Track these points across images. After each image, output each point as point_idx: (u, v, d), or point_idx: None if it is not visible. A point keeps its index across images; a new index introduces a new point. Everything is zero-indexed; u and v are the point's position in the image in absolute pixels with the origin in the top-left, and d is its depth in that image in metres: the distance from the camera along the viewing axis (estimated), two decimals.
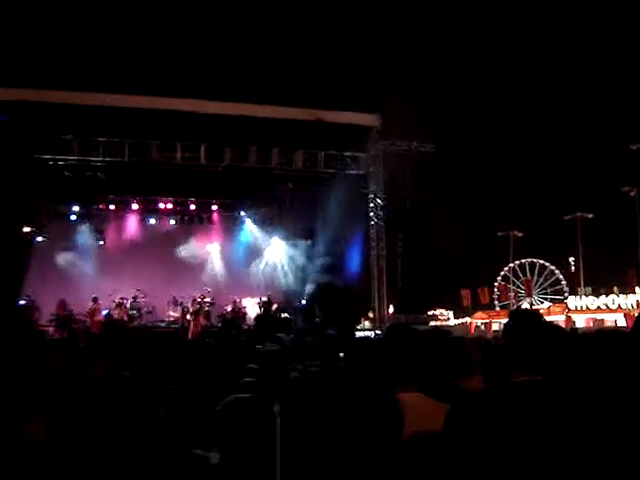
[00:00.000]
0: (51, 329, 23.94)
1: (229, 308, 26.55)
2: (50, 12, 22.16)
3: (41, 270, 25.97)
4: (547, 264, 37.74)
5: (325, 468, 2.43)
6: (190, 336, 22.86)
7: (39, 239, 26.27)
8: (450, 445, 2.68)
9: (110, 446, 2.52)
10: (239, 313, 26.40)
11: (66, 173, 24.07)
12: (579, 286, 34.76)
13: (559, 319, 30.73)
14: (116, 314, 25.01)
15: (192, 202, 28.10)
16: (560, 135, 27.78)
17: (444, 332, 4.59)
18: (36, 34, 21.94)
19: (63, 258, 27.21)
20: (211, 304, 26.48)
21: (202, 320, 25.33)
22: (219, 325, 25.34)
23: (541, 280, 38.09)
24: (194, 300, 25.51)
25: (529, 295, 37.66)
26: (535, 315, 3.28)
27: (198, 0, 24.42)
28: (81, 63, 22.45)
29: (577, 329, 23.90)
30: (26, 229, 25.01)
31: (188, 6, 23.97)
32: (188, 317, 25.38)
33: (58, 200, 26.83)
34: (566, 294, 36.50)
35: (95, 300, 24.65)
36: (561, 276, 37.49)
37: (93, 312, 24.48)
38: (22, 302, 24.32)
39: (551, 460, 2.60)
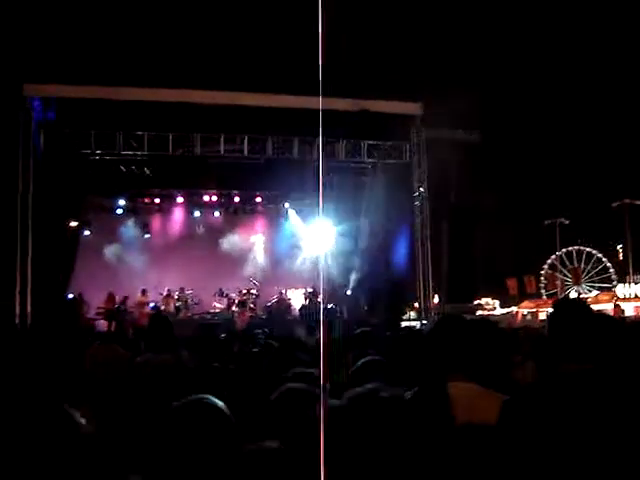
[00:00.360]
0: (100, 322, 24.33)
1: (274, 299, 26.67)
2: (91, 9, 22.38)
3: (88, 264, 26.31)
4: (595, 252, 37.23)
5: (375, 459, 2.40)
6: (238, 327, 23.00)
7: (86, 233, 26.62)
8: (505, 436, 2.65)
9: (160, 436, 2.52)
10: (284, 304, 26.50)
11: (122, 167, 24.34)
12: (628, 274, 34.21)
13: (607, 307, 30.28)
14: (163, 306, 25.27)
15: (236, 194, 28.23)
16: (608, 120, 27.35)
17: (492, 322, 4.54)
18: (78, 32, 22.18)
19: (110, 252, 27.57)
20: (257, 295, 26.63)
21: (248, 311, 25.50)
22: (264, 317, 25.46)
23: (588, 268, 37.60)
24: (240, 291, 25.66)
25: (577, 283, 37.20)
26: (580, 304, 3.23)
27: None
28: (124, 59, 22.66)
29: (626, 317, 23.61)
30: (73, 224, 25.34)
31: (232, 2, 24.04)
32: (234, 308, 25.57)
33: (104, 194, 27.16)
34: (614, 282, 36.01)
35: (143, 292, 24.96)
36: (609, 264, 36.96)
37: (141, 304, 24.78)
38: (70, 296, 24.66)
39: (606, 449, 2.55)
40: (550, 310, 3.29)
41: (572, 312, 3.10)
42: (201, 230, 28.73)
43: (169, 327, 6.91)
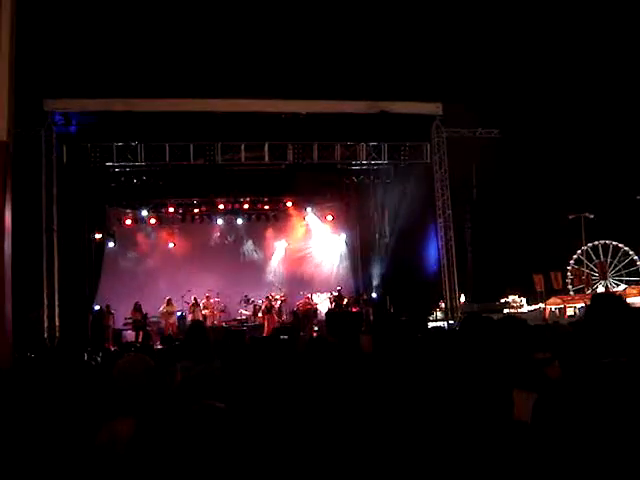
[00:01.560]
0: (127, 332, 24.47)
1: (300, 304, 26.69)
2: (109, 23, 22.52)
3: (114, 275, 26.50)
4: (621, 245, 36.88)
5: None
6: (265, 333, 23.04)
7: (110, 245, 26.79)
8: (541, 432, 2.63)
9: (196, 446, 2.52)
10: (310, 309, 26.50)
11: (144, 178, 24.45)
12: None
13: (635, 301, 29.97)
14: (190, 315, 25.35)
15: (259, 201, 28.30)
16: (631, 113, 27.09)
17: (519, 320, 4.49)
18: (97, 46, 22.32)
19: (134, 262, 27.72)
20: (282, 301, 26.65)
21: (275, 317, 25.53)
22: (290, 322, 25.46)
23: (615, 262, 37.25)
24: (267, 298, 25.70)
25: (604, 278, 36.86)
26: (617, 298, 3.23)
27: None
28: (142, 71, 22.77)
29: None
30: (97, 236, 25.51)
31: (241, 7, 24.08)
32: (260, 315, 25.61)
33: (127, 206, 27.34)
34: None
35: (169, 302, 25.04)
36: (636, 257, 36.57)
37: (167, 314, 24.88)
38: (97, 307, 24.81)
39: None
40: (580, 305, 3.32)
41: (609, 306, 3.12)
42: (229, 239, 28.80)
43: (205, 336, 6.95)
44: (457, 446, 2.36)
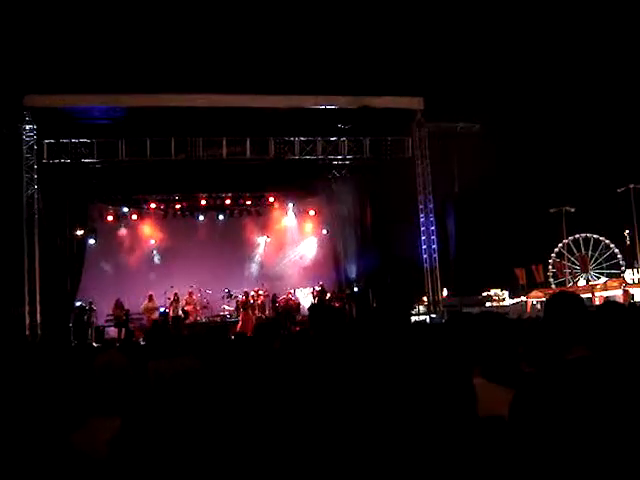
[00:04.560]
0: (109, 329, 24.40)
1: (282, 299, 26.67)
2: (88, 18, 22.42)
3: (96, 271, 26.39)
4: (602, 238, 37.18)
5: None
6: (238, 329, 22.85)
7: (91, 241, 26.67)
8: (519, 428, 2.65)
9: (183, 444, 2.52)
10: (292, 304, 26.49)
11: (125, 174, 24.29)
12: (636, 259, 34.14)
13: (616, 294, 30.26)
14: (171, 311, 25.28)
15: (242, 196, 28.27)
16: (610, 106, 27.26)
17: (498, 314, 4.52)
18: (76, 40, 22.22)
19: (116, 258, 27.61)
20: (265, 296, 26.62)
21: (257, 312, 25.47)
22: (271, 318, 25.41)
23: (596, 255, 37.55)
24: (245, 293, 25.66)
25: (585, 271, 37.15)
26: (573, 296, 3.33)
27: None
28: (123, 66, 22.70)
29: (635, 302, 23.55)
30: (79, 232, 25.38)
31: (223, 2, 24.04)
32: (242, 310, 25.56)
33: (108, 202, 27.23)
34: (622, 268, 35.92)
35: (150, 298, 24.95)
36: (617, 250, 36.90)
37: (149, 310, 24.79)
38: (79, 304, 24.70)
39: (616, 434, 2.56)
40: (544, 303, 3.44)
41: (565, 304, 3.24)
42: (211, 234, 28.69)
43: (167, 334, 7.01)
44: (430, 441, 2.37)
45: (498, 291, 30.53)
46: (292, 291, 27.27)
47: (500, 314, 4.29)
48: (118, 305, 24.28)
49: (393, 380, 2.64)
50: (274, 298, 26.51)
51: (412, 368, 2.77)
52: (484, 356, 3.38)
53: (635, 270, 32.85)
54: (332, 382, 3.10)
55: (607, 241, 37.03)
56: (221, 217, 28.77)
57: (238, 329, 22.67)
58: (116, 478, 2.41)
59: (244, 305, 24.86)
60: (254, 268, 29.35)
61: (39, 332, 21.81)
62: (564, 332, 3.07)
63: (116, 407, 3.62)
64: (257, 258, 29.59)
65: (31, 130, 22.80)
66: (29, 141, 22.82)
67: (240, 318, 24.70)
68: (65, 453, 2.33)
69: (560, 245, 36.19)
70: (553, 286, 34.91)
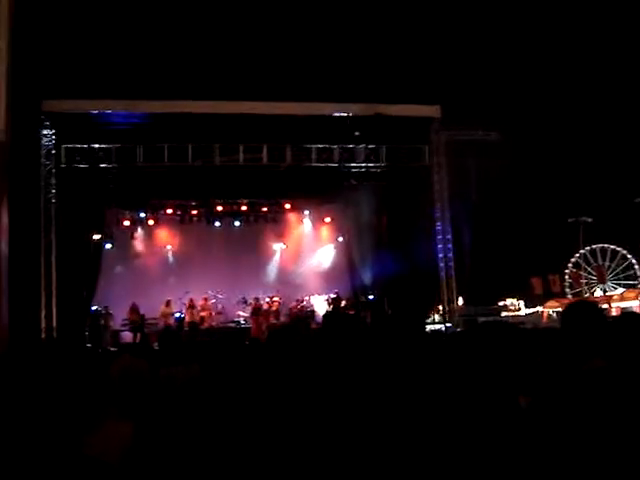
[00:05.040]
0: (125, 333, 24.48)
1: (297, 306, 26.68)
2: (108, 25, 22.52)
3: (112, 276, 26.48)
4: (619, 249, 36.88)
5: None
6: (251, 335, 22.92)
7: (108, 246, 26.76)
8: (535, 436, 2.63)
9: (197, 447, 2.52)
10: (307, 311, 26.49)
11: (142, 180, 24.37)
12: None
13: (633, 304, 30.00)
14: (187, 316, 25.34)
15: (257, 203, 28.28)
16: (630, 117, 27.10)
17: (513, 325, 4.50)
18: (96, 46, 22.32)
19: (132, 263, 27.71)
20: (280, 303, 26.62)
21: (272, 319, 25.49)
22: (285, 324, 25.40)
23: (613, 266, 37.25)
24: (255, 299, 25.68)
25: (602, 282, 36.87)
26: (591, 305, 3.30)
27: (252, 3, 24.49)
28: (142, 72, 22.78)
29: None
30: (96, 237, 25.48)
31: (241, 9, 24.08)
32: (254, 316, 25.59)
33: (125, 207, 27.32)
34: None
35: (167, 303, 25.03)
36: (634, 260, 36.58)
37: (165, 315, 24.87)
38: (95, 308, 24.79)
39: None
40: (561, 312, 3.38)
41: (584, 313, 3.21)
42: (227, 240, 28.71)
43: (177, 341, 7.03)
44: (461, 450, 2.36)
45: (514, 301, 30.37)
46: (308, 298, 27.27)
47: (514, 324, 4.27)
48: (134, 310, 24.36)
49: (406, 387, 2.63)
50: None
51: (426, 377, 2.76)
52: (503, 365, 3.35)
53: None
54: (345, 389, 3.08)
55: (624, 252, 36.70)
56: (237, 223, 28.78)
57: (252, 335, 22.76)
58: None
59: (256, 311, 24.88)
60: (269, 275, 29.35)
61: (55, 336, 21.90)
62: (582, 342, 3.04)
63: (132, 412, 3.61)
64: (272, 265, 29.59)
65: (49, 135, 22.95)
66: (47, 146, 22.97)
67: (252, 324, 24.76)
68: (74, 456, 2.32)
69: (577, 255, 35.92)
70: (569, 296, 34.66)
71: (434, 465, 2.42)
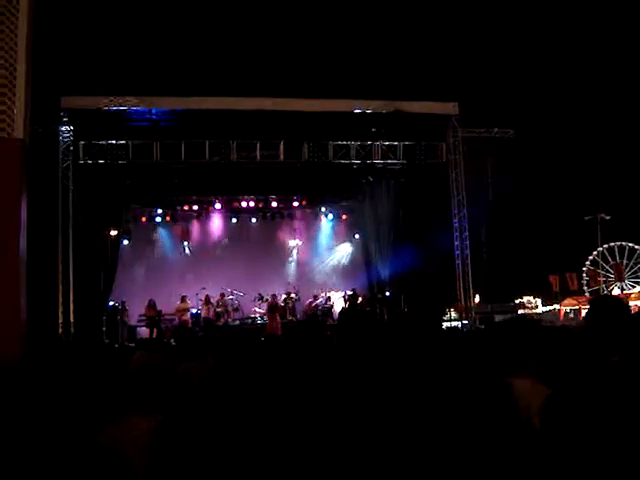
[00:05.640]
0: (142, 329, 24.60)
1: (308, 304, 26.73)
2: (127, 22, 22.60)
3: (129, 272, 26.60)
4: (637, 247, 36.66)
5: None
6: (266, 332, 22.94)
7: (125, 242, 26.88)
8: (550, 428, 2.63)
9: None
10: (325, 307, 26.50)
11: (160, 176, 24.45)
12: None
13: None
14: (204, 312, 25.42)
15: (274, 199, 28.31)
16: None
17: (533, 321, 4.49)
18: (113, 43, 22.41)
19: (149, 259, 27.83)
20: (296, 299, 26.66)
21: (289, 315, 25.54)
22: (301, 321, 25.42)
23: (631, 263, 37.04)
24: (273, 296, 25.73)
25: (620, 279, 36.65)
26: (616, 300, 3.28)
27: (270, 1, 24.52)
28: (158, 69, 22.86)
29: None
30: (113, 233, 25.59)
31: (258, 4, 24.11)
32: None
33: (142, 203, 27.43)
34: None
35: (183, 299, 25.10)
36: None
37: (181, 311, 24.94)
38: (112, 303, 24.91)
39: None
40: (587, 307, 3.37)
41: (609, 308, 3.19)
42: (244, 237, 28.78)
43: (193, 338, 7.09)
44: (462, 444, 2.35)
45: (531, 298, 30.26)
46: (324, 295, 27.30)
47: (535, 320, 4.26)
48: (151, 305, 24.49)
49: (422, 384, 2.63)
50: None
51: (441, 373, 2.76)
52: (530, 359, 3.35)
53: None
54: (359, 384, 3.09)
55: None
56: (254, 220, 28.85)
57: (267, 332, 22.79)
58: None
59: (272, 308, 24.92)
60: (286, 271, 29.39)
61: (72, 331, 22.03)
62: (607, 336, 3.03)
63: (154, 407, 3.63)
64: (289, 261, 29.63)
65: (67, 131, 23.06)
66: (65, 142, 23.08)
67: (267, 320, 24.80)
68: (86, 444, 2.34)
69: (595, 253, 35.74)
70: (587, 294, 34.50)
71: (448, 461, 2.42)
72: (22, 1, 8.87)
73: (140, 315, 24.87)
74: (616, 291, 35.47)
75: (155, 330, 23.99)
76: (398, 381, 2.96)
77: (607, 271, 36.57)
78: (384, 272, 27.60)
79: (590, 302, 3.39)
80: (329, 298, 27.38)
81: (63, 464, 2.16)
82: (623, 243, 36.60)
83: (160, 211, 27.93)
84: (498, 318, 23.65)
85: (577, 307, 29.98)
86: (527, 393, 2.83)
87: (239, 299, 26.96)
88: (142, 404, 3.72)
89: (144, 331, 24.43)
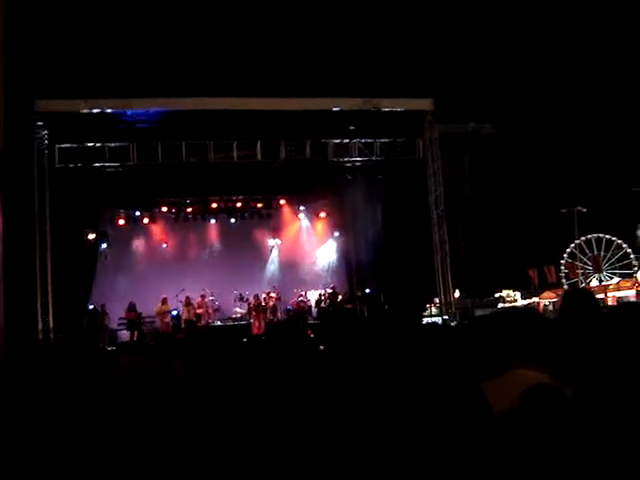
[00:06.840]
0: (122, 332, 24.47)
1: (293, 302, 26.71)
2: (97, 23, 22.46)
3: (108, 275, 26.46)
4: (614, 238, 36.93)
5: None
6: (254, 332, 23.01)
7: (104, 245, 26.74)
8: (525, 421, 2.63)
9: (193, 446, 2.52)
10: (304, 306, 26.51)
11: (136, 178, 24.33)
12: None
13: (629, 294, 30.12)
14: (184, 314, 25.33)
15: (253, 199, 28.30)
16: (623, 105, 27.13)
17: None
18: (87, 45, 22.26)
19: (128, 262, 27.69)
20: (277, 299, 26.63)
21: (269, 315, 25.52)
22: (282, 320, 25.42)
23: (609, 255, 37.31)
24: (256, 296, 25.70)
25: (597, 271, 36.93)
26: (587, 293, 3.32)
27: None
28: (133, 70, 22.73)
29: None
30: (91, 236, 25.45)
31: (235, 5, 24.04)
32: (254, 313, 25.60)
33: (119, 206, 27.31)
34: (635, 268, 35.73)
35: (164, 301, 25.00)
36: (629, 250, 36.66)
37: (162, 313, 24.85)
38: (91, 307, 24.78)
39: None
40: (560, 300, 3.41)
41: (581, 302, 3.23)
42: (223, 237, 28.75)
43: (174, 340, 7.05)
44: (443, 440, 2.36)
45: (510, 292, 30.45)
46: (304, 293, 27.29)
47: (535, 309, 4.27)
48: (131, 308, 24.36)
49: (402, 381, 2.63)
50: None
51: (421, 370, 2.77)
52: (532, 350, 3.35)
53: None
54: (342, 382, 3.09)
55: (619, 241, 36.77)
56: (232, 220, 28.79)
57: (255, 332, 22.84)
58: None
59: (256, 308, 24.90)
60: (265, 271, 29.36)
61: (51, 336, 21.88)
62: (580, 328, 3.06)
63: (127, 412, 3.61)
64: (268, 261, 29.60)
65: (43, 135, 22.90)
66: (41, 146, 22.92)
67: (255, 321, 24.78)
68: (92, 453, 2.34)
69: (572, 245, 35.97)
70: (565, 287, 34.71)
71: (432, 459, 2.43)
72: None
73: (120, 318, 24.71)
74: (594, 283, 35.76)
75: (136, 333, 23.86)
76: (380, 379, 2.97)
77: (585, 263, 36.84)
78: (363, 269, 27.66)
79: (563, 295, 3.43)
80: (305, 295, 27.40)
81: (48, 470, 2.15)
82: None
83: (138, 213, 27.81)
84: (478, 312, 23.80)
85: (555, 300, 30.18)
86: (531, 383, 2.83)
87: (219, 299, 26.90)
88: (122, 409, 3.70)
89: (125, 334, 24.29)
